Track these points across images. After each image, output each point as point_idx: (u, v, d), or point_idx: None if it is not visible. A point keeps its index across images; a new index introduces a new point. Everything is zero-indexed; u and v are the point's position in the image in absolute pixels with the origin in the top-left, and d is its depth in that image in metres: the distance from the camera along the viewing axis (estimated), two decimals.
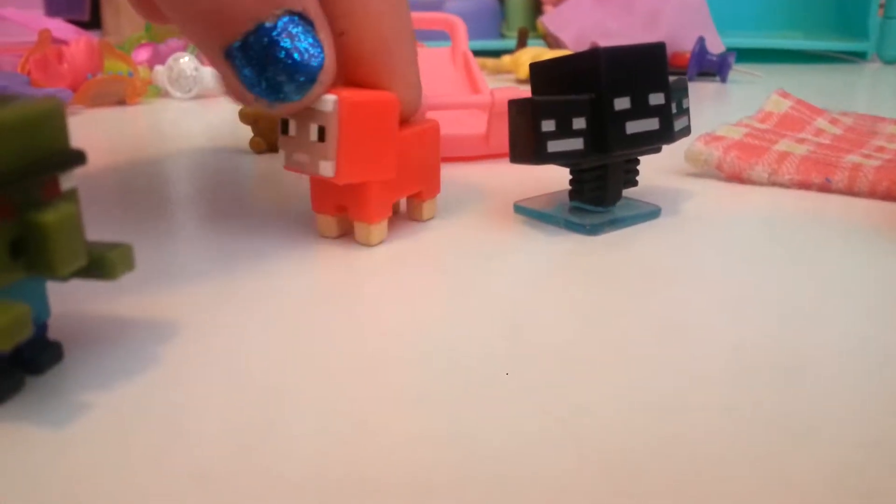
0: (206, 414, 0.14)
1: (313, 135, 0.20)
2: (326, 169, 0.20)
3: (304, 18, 0.18)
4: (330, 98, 0.20)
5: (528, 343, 0.16)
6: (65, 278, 0.14)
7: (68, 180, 0.14)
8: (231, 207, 0.27)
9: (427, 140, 0.24)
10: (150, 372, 0.15)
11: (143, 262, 0.18)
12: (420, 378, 0.15)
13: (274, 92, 0.19)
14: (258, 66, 0.18)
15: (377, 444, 0.13)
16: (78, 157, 0.14)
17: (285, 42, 0.18)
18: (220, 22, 0.18)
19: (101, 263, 0.15)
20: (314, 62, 0.19)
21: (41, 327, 0.15)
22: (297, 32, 0.18)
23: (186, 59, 0.54)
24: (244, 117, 0.35)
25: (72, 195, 0.14)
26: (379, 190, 0.22)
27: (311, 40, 0.19)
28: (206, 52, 0.19)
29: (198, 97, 0.55)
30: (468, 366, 0.15)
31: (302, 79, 0.19)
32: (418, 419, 0.13)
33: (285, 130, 0.21)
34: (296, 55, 0.18)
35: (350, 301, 0.19)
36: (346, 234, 0.23)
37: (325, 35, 0.19)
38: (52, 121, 0.14)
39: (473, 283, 0.20)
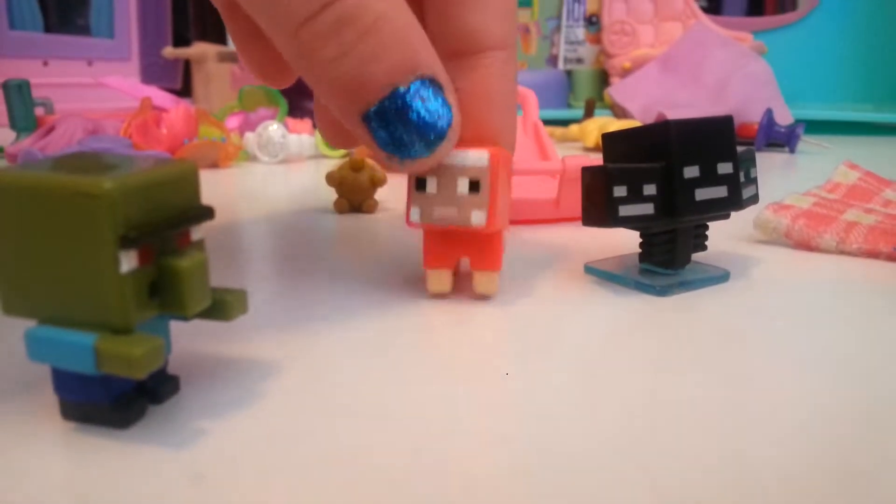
0: (305, 442, 0.15)
1: (463, 188, 0.22)
2: (480, 218, 0.22)
3: (434, 82, 0.20)
4: (484, 154, 0.22)
5: (599, 393, 0.17)
6: (189, 318, 0.16)
7: (198, 232, 0.16)
8: (326, 262, 0.29)
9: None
10: (257, 405, 0.17)
11: (251, 304, 0.20)
12: (499, 421, 0.16)
13: (406, 150, 0.21)
14: (392, 128, 0.20)
15: (461, 475, 0.14)
16: (207, 213, 0.16)
17: (417, 104, 0.20)
18: (359, 89, 0.20)
19: (221, 305, 0.17)
20: (442, 122, 0.20)
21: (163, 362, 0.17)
22: (427, 95, 0.20)
23: (275, 126, 0.58)
24: (330, 180, 0.38)
25: (200, 245, 0.16)
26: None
27: (440, 101, 0.20)
28: (343, 116, 0.21)
29: (284, 162, 0.59)
30: (543, 412, 0.16)
31: (432, 137, 0.20)
32: (500, 458, 0.14)
33: (422, 188, 0.23)
34: (426, 116, 0.20)
35: (435, 349, 0.20)
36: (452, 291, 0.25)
37: (452, 96, 0.21)
38: (188, 180, 0.16)
39: (546, 337, 0.21)
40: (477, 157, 0.22)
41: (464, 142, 0.23)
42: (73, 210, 0.14)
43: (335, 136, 0.27)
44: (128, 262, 0.14)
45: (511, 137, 0.24)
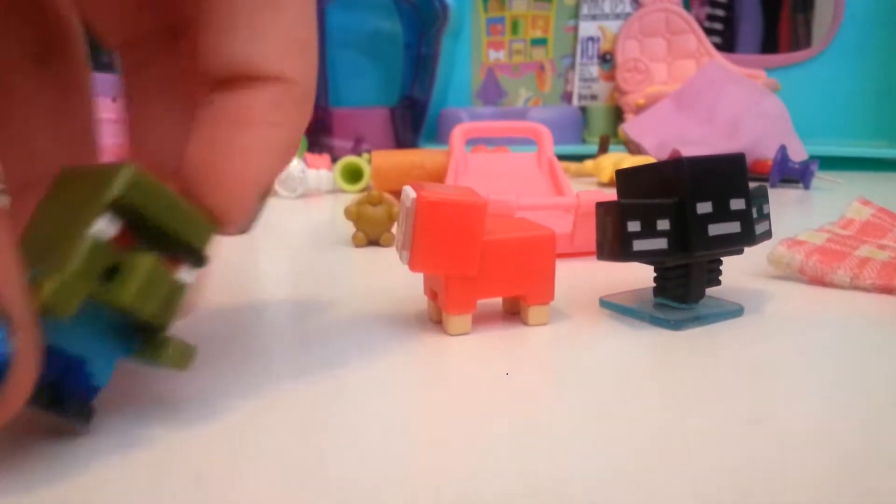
0: (321, 471, 0.15)
1: (409, 227, 0.23)
2: (405, 258, 0.23)
3: None
4: (411, 195, 0.22)
5: (614, 428, 0.17)
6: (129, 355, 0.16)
7: (188, 275, 0.17)
8: (344, 294, 0.29)
9: (532, 247, 0.24)
10: (272, 435, 0.17)
11: (267, 333, 0.20)
12: (514, 455, 0.16)
13: None
14: None
15: None
16: (201, 259, 0.17)
17: None
18: None
19: (160, 344, 0.16)
20: None
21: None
22: None
23: (294, 162, 0.59)
24: (348, 214, 0.38)
25: (183, 283, 0.16)
26: (458, 285, 0.24)
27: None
28: None
29: (303, 196, 0.60)
30: (559, 446, 0.17)
31: None
32: (515, 491, 0.15)
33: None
34: None
35: (450, 382, 0.21)
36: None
37: (20, 335, 0.14)
38: (204, 227, 0.17)
39: (562, 370, 0.21)
40: (410, 196, 0.23)
41: (449, 190, 0.24)
42: (94, 180, 0.15)
43: None
44: (104, 226, 0.15)
45: (288, 34, 0.18)
